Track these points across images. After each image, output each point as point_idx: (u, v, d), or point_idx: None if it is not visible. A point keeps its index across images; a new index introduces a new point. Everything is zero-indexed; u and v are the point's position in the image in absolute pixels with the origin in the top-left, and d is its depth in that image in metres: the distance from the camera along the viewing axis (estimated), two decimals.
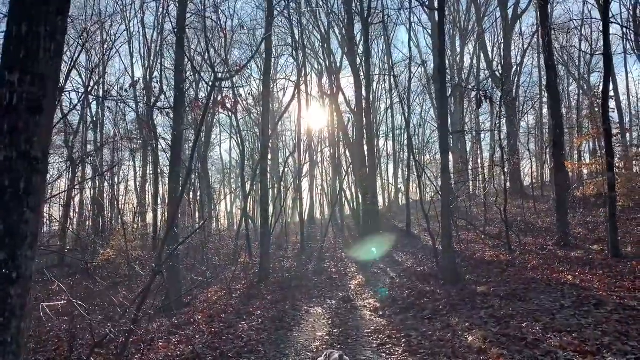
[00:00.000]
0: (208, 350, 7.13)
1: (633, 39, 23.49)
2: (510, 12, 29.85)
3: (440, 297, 8.76)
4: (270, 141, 38.15)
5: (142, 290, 5.96)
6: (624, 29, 21.66)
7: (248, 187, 23.33)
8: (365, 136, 22.50)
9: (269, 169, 22.64)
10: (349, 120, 29.61)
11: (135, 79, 25.73)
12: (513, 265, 11.01)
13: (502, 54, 29.63)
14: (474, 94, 30.20)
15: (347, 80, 37.13)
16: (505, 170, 14.38)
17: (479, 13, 30.81)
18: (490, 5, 32.36)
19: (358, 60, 23.64)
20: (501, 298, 8.01)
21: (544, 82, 26.03)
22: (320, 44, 29.90)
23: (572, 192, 22.34)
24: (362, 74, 23.00)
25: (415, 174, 20.04)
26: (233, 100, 12.45)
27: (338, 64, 30.09)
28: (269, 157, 39.57)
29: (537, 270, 10.09)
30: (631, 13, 22.91)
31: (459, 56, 34.57)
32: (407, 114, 17.59)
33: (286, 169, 35.72)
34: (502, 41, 30.62)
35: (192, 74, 18.77)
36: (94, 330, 5.86)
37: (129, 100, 24.79)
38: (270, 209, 18.09)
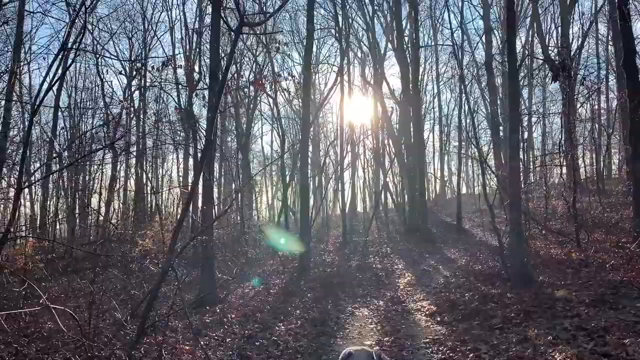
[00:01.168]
0: (237, 359, 6.15)
1: None
2: None
3: (510, 302, 7.41)
4: (312, 131, 37.21)
5: (149, 292, 4.99)
6: None
7: (288, 177, 22.38)
8: (412, 125, 21.11)
9: (309, 160, 21.57)
10: (392, 111, 28.35)
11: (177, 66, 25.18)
12: (587, 265, 9.53)
13: (558, 38, 27.36)
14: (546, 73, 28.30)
15: (391, 70, 35.75)
16: (576, 158, 12.78)
17: None
18: None
19: (404, 46, 22.31)
20: (587, 305, 6.64)
21: (602, 72, 23.66)
22: (364, 31, 28.74)
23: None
24: (409, 58, 21.68)
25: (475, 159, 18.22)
26: (271, 80, 11.43)
27: (382, 52, 28.83)
28: (310, 148, 38.65)
29: (619, 272, 8.62)
30: None
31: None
32: (464, 96, 15.90)
33: (327, 161, 34.70)
34: (560, 24, 28.57)
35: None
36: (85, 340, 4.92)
37: (166, 84, 24.34)
38: (311, 200, 17.13)
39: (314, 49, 29.75)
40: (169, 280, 15.08)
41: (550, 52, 28.17)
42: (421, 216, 19.38)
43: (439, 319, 7.59)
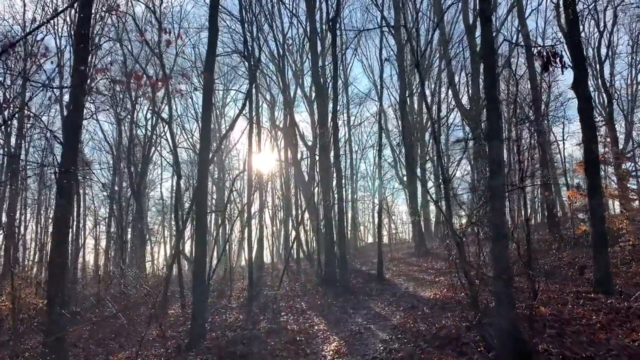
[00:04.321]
0: None
1: None
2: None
3: None
4: (216, 175, 34.08)
5: None
6: None
7: (185, 221, 19.03)
8: (326, 170, 18.92)
9: (212, 207, 18.70)
10: (302, 155, 26.64)
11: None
12: (568, 323, 7.41)
13: (470, 91, 26.99)
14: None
15: (300, 115, 34.60)
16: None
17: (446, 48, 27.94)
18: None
19: (320, 84, 20.56)
20: None
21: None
22: (275, 73, 27.19)
23: (561, 231, 19.54)
24: (329, 94, 19.93)
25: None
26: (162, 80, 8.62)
27: (292, 95, 27.37)
28: (214, 195, 35.29)
29: (614, 331, 6.63)
30: None
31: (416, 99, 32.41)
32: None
33: (232, 207, 31.68)
34: (470, 79, 28.51)
35: None
36: None
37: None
38: (214, 249, 14.00)
39: (216, 79, 27.52)
40: (21, 348, 11.22)
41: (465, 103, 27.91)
42: (340, 265, 16.90)
43: None
